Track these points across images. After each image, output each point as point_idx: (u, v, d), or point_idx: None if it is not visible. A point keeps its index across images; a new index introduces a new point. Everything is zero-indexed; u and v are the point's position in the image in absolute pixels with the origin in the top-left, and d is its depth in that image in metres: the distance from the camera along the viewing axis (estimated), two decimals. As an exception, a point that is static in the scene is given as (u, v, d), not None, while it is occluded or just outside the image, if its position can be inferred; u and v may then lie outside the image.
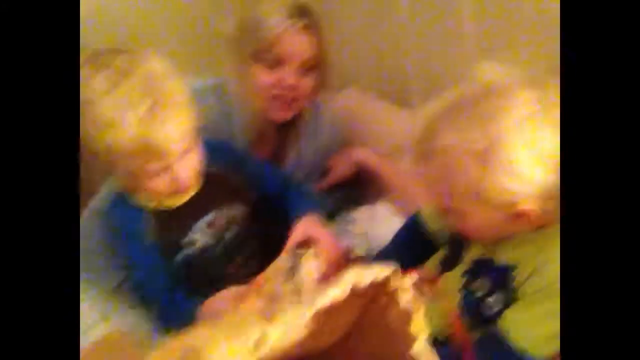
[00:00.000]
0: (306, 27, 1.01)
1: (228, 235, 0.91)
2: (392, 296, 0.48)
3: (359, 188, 1.27)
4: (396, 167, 1.19)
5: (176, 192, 0.83)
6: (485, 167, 0.59)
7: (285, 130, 1.15)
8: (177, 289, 0.85)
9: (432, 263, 0.84)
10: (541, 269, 0.64)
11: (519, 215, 0.62)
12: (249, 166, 0.99)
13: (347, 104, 1.46)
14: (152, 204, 0.85)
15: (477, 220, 0.66)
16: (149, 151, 0.72)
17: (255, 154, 1.12)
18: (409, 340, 0.45)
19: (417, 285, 0.49)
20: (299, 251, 0.80)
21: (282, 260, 0.79)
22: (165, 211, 0.86)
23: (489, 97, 0.61)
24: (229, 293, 0.80)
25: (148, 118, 0.70)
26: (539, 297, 0.64)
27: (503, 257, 0.69)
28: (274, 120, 1.09)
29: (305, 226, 0.89)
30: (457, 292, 0.74)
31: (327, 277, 0.78)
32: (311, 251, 0.79)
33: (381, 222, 1.11)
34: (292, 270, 0.76)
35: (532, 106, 0.59)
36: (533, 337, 0.63)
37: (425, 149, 0.65)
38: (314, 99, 1.14)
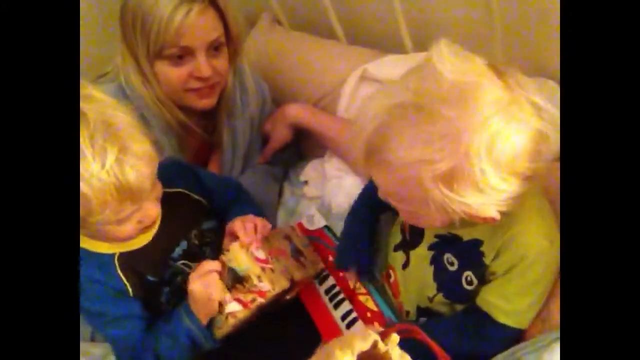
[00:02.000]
0: (205, 8, 0.88)
1: (208, 252, 0.86)
2: (383, 357, 0.48)
3: (306, 141, 1.23)
4: (332, 119, 1.14)
5: (144, 231, 0.78)
6: (448, 187, 0.54)
7: (211, 113, 1.05)
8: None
9: (396, 232, 0.85)
10: (506, 248, 0.65)
11: (479, 219, 0.61)
12: (203, 178, 0.92)
13: (268, 48, 1.36)
14: (117, 250, 0.78)
15: (431, 220, 0.64)
16: (126, 196, 0.66)
17: (184, 151, 1.05)
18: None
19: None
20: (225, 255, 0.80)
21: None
22: (133, 254, 0.79)
23: (452, 104, 0.52)
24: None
25: (118, 166, 0.64)
26: (508, 277, 0.66)
27: (466, 234, 0.69)
28: (197, 109, 1.00)
29: (230, 226, 0.84)
30: (428, 266, 0.75)
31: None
32: (235, 244, 0.79)
33: (332, 181, 1.10)
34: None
35: (498, 116, 0.52)
36: (511, 312, 0.67)
37: (377, 158, 0.57)
38: (233, 69, 1.04)
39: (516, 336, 0.68)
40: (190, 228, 0.86)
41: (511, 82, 0.55)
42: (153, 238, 0.80)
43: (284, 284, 0.80)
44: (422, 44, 1.15)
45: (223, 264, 0.79)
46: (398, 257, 0.82)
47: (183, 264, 0.84)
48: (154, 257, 0.81)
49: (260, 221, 0.83)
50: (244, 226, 0.81)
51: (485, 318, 0.68)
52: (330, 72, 1.22)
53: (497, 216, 0.59)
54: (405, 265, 0.80)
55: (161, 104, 0.96)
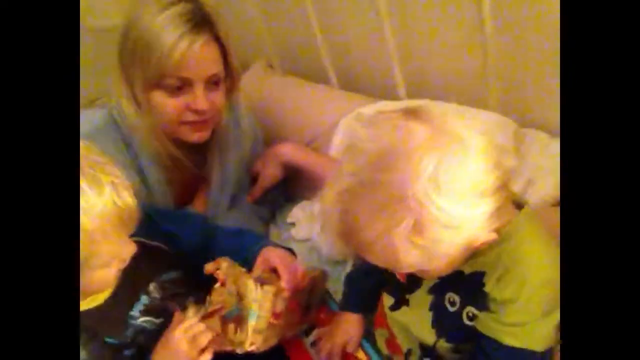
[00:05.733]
0: (209, 41, 0.88)
1: (173, 306, 0.76)
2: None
3: (294, 184, 1.20)
4: (325, 159, 1.13)
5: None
6: (423, 238, 0.53)
7: (202, 147, 1.03)
8: None
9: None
10: (508, 274, 0.62)
11: (481, 246, 0.59)
12: (166, 222, 0.84)
13: (261, 92, 1.37)
14: None
15: (438, 270, 0.62)
16: (124, 222, 0.64)
17: (171, 183, 1.01)
18: None
19: None
20: (255, 294, 0.74)
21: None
22: (88, 314, 0.69)
23: (383, 169, 0.53)
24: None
25: (115, 191, 0.62)
26: (511, 302, 0.62)
27: (467, 268, 0.66)
28: (189, 142, 0.97)
29: (269, 256, 0.80)
30: (427, 312, 0.71)
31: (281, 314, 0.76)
32: (271, 288, 0.74)
33: (317, 225, 1.07)
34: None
35: (429, 155, 0.52)
36: (518, 334, 0.63)
37: (353, 243, 0.57)
38: (229, 106, 1.03)
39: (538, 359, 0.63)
40: (149, 280, 0.78)
41: (428, 118, 0.55)
42: (109, 295, 0.72)
43: (271, 344, 0.75)
44: (416, 93, 1.17)
45: (225, 300, 0.73)
46: (388, 299, 0.78)
47: (145, 321, 0.76)
48: (111, 316, 0.73)
49: (300, 267, 0.80)
50: (288, 268, 0.77)
51: (492, 345, 0.64)
52: (322, 116, 1.23)
53: (494, 235, 0.58)
54: (395, 308, 0.76)
55: (152, 133, 0.93)
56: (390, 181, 0.53)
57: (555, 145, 0.99)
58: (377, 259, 0.58)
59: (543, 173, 0.93)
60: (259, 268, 0.80)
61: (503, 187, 0.57)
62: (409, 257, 0.55)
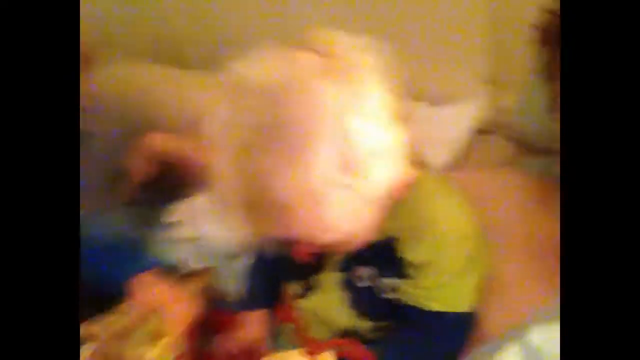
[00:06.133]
0: None
1: None
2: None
3: (171, 181, 1.09)
4: (198, 145, 1.03)
5: None
6: (348, 172, 0.49)
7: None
8: None
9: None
10: (420, 234, 0.59)
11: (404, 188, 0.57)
12: None
13: (125, 82, 1.23)
14: None
15: (354, 233, 0.58)
16: None
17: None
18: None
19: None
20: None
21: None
22: None
23: (285, 102, 0.48)
24: None
25: None
26: (428, 265, 0.60)
27: (376, 234, 0.62)
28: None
29: (153, 299, 0.72)
30: (340, 293, 0.67)
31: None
32: (165, 340, 0.67)
33: (205, 220, 0.99)
34: None
35: (328, 75, 0.49)
36: (441, 297, 0.61)
37: (268, 212, 0.50)
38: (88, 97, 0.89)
39: (466, 321, 0.62)
40: None
41: (311, 44, 0.52)
42: None
43: None
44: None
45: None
46: (293, 288, 0.73)
47: None
48: None
49: (188, 301, 0.74)
50: (177, 306, 0.71)
51: (417, 313, 0.61)
52: (191, 103, 1.13)
53: (414, 173, 0.58)
54: (303, 295, 0.71)
55: None
56: (294, 117, 0.47)
57: (435, 113, 1.02)
58: (298, 223, 0.51)
59: (431, 142, 0.95)
60: (142, 314, 0.71)
61: (406, 120, 0.55)
62: (334, 209, 0.50)
